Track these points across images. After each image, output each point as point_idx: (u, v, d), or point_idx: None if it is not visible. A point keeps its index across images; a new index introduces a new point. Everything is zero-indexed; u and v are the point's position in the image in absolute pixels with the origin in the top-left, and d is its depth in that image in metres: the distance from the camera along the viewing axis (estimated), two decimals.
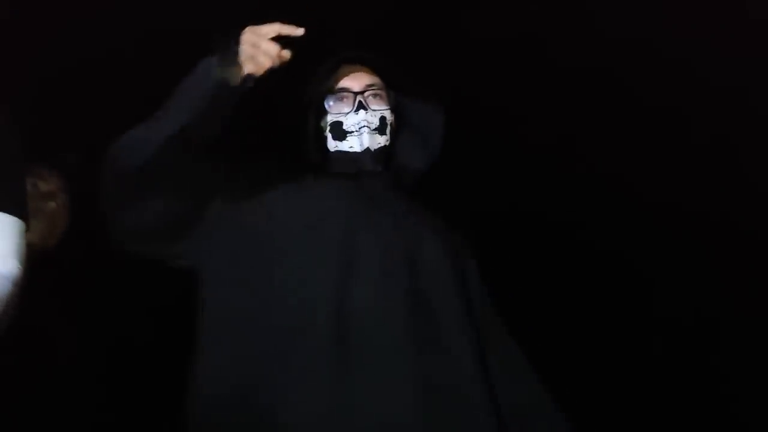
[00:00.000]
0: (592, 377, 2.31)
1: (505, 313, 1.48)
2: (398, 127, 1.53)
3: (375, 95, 1.46)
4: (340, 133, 1.45)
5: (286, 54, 1.22)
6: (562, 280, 2.42)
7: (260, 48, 1.19)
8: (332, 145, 1.47)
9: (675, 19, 2.16)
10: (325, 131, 1.47)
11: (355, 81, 1.47)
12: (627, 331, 2.43)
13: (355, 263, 1.28)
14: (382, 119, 1.46)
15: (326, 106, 1.47)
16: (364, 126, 1.43)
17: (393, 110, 1.50)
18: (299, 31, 1.22)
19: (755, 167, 2.29)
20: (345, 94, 1.46)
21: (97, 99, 1.98)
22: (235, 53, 1.21)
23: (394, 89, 1.51)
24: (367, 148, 1.44)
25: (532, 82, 2.33)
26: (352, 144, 1.44)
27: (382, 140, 1.46)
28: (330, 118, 1.47)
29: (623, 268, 2.45)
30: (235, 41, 1.21)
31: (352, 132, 1.44)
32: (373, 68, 1.49)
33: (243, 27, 1.23)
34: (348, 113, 1.45)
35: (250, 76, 1.20)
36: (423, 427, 1.18)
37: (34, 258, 1.52)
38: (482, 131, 2.33)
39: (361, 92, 1.45)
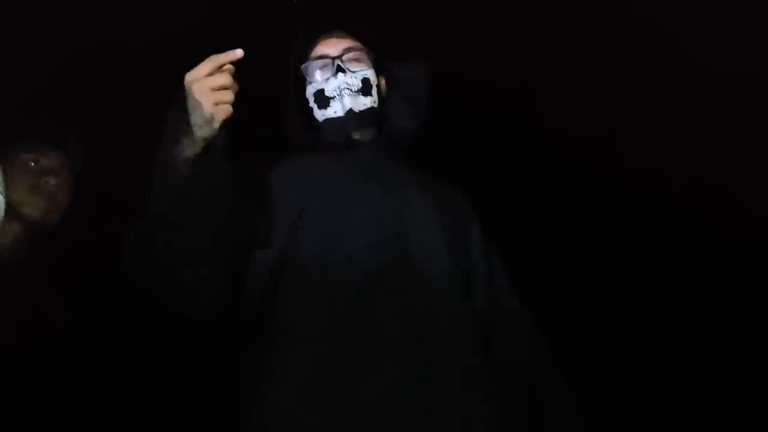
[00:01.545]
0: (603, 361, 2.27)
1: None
2: (389, 89, 1.51)
3: (354, 58, 1.43)
4: (323, 100, 1.42)
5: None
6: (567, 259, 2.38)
7: (213, 88, 1.10)
8: (319, 114, 1.43)
9: None
10: (311, 102, 1.44)
11: (332, 47, 1.44)
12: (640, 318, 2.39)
13: (341, 241, 1.24)
14: (365, 80, 1.42)
15: (306, 75, 1.44)
16: (345, 88, 1.40)
17: (379, 72, 1.48)
18: (239, 53, 1.11)
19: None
20: (323, 60, 1.43)
21: (100, 81, 1.97)
22: (196, 114, 1.10)
23: (376, 51, 1.48)
24: (350, 110, 1.40)
25: (536, 52, 2.27)
26: (336, 109, 1.41)
27: (367, 101, 1.42)
28: (312, 88, 1.44)
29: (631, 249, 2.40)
30: (182, 104, 1.12)
31: (334, 97, 1.41)
32: (350, 33, 1.47)
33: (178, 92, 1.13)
34: (328, 79, 1.41)
35: (225, 121, 1.11)
36: (400, 402, 1.13)
37: (36, 234, 1.56)
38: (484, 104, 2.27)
39: (339, 56, 1.42)
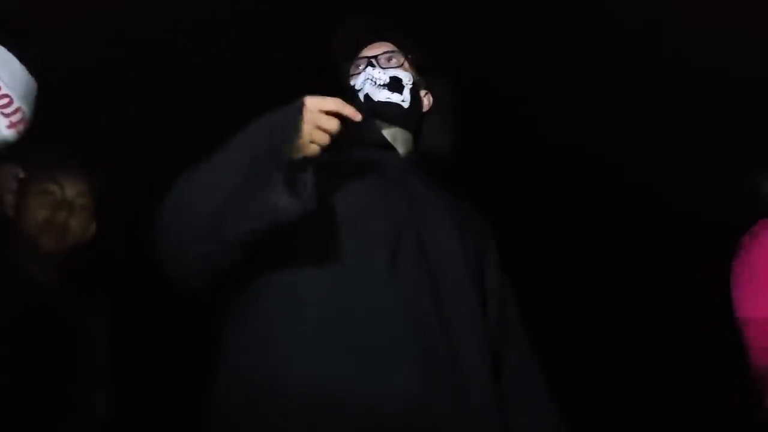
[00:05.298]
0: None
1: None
2: (431, 108, 1.53)
3: (389, 58, 1.48)
4: (353, 94, 1.46)
5: (343, 129, 1.17)
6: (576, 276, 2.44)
7: (320, 126, 1.13)
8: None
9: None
10: (348, 98, 1.46)
11: (372, 50, 1.51)
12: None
13: (358, 247, 1.22)
14: (395, 78, 1.45)
15: (349, 73, 1.51)
16: (368, 80, 1.44)
17: (415, 78, 1.49)
18: (358, 117, 1.17)
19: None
20: (361, 60, 1.50)
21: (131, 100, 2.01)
22: (295, 129, 1.12)
23: (420, 66, 1.53)
24: (367, 95, 1.43)
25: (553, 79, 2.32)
26: (360, 99, 1.44)
27: (393, 97, 1.44)
28: (348, 84, 1.50)
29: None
30: (297, 114, 1.13)
31: (361, 89, 1.45)
32: (395, 43, 1.52)
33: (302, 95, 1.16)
34: (359, 74, 1.47)
35: (306, 159, 1.13)
36: (420, 422, 1.12)
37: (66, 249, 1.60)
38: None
39: (375, 56, 1.48)
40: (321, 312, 1.16)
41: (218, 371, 1.22)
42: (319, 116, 1.13)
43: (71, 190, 1.62)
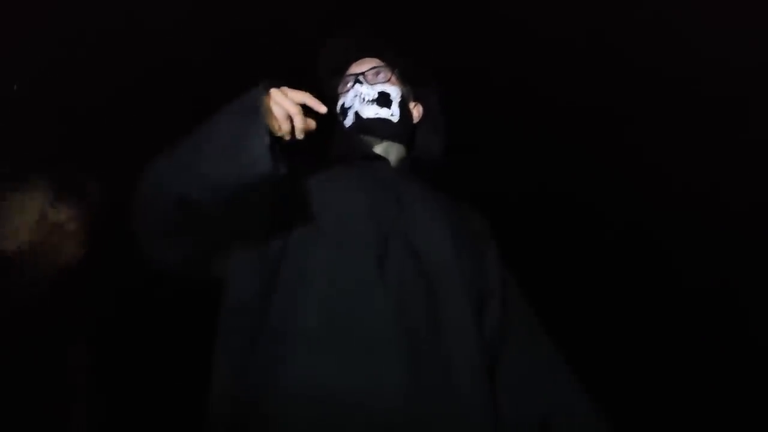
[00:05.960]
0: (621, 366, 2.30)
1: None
2: (422, 117, 1.57)
3: (376, 73, 1.51)
4: (344, 112, 1.49)
5: (311, 123, 1.20)
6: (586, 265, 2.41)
7: (282, 107, 1.16)
8: (343, 126, 1.49)
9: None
10: (339, 116, 1.51)
11: (359, 66, 1.53)
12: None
13: (353, 252, 1.22)
14: (383, 93, 1.48)
15: (338, 91, 1.54)
16: (356, 97, 1.47)
17: (404, 92, 1.52)
18: (323, 109, 1.20)
19: None
20: (349, 77, 1.52)
21: (118, 126, 1.99)
22: (257, 104, 1.14)
23: (407, 78, 1.55)
24: (357, 114, 1.46)
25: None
26: (351, 117, 1.47)
27: (382, 112, 1.46)
28: (339, 102, 1.52)
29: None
30: (264, 94, 1.16)
31: (351, 106, 1.48)
32: (381, 57, 1.54)
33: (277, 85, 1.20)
34: (348, 91, 1.50)
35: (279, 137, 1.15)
36: (411, 423, 1.11)
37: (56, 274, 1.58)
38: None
39: (362, 73, 1.50)
40: (313, 315, 1.17)
41: (216, 376, 1.23)
42: (281, 96, 1.16)
43: (65, 214, 1.62)
